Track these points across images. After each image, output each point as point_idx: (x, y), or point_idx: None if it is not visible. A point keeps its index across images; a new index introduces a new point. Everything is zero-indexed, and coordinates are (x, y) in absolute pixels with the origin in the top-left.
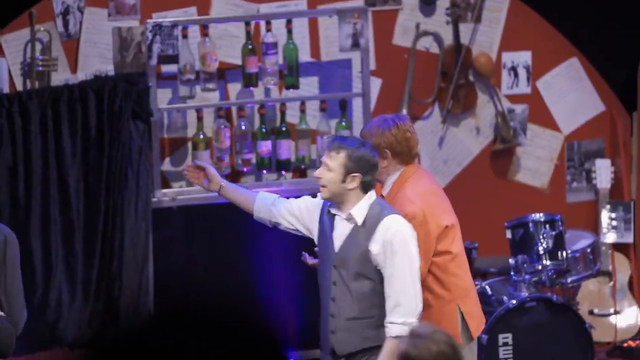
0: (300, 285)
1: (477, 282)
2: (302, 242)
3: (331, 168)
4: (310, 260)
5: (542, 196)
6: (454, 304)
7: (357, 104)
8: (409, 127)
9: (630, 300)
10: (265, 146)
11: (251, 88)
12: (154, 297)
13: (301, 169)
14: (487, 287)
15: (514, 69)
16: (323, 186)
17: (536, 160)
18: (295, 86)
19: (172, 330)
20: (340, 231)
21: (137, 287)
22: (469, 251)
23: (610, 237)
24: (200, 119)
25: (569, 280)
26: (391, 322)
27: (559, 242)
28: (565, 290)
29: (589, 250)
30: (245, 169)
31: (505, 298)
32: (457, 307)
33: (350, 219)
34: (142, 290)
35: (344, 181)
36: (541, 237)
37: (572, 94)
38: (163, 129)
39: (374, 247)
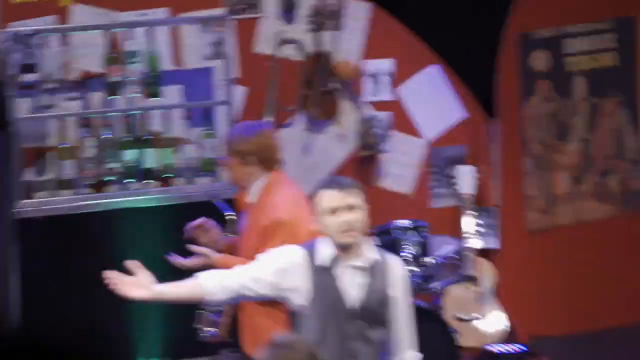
0: None
1: None
2: (173, 249)
3: (360, 207)
4: (183, 261)
5: (407, 202)
6: None
7: (221, 112)
8: (271, 134)
9: (494, 305)
10: (130, 155)
11: (114, 97)
12: (22, 309)
13: (166, 177)
14: None
15: (375, 76)
16: (355, 231)
17: (400, 166)
18: (158, 95)
19: (39, 342)
20: (350, 281)
21: (1, 300)
22: None
23: (474, 243)
24: (62, 128)
25: (435, 285)
26: (414, 357)
27: (424, 248)
28: (431, 295)
29: (454, 255)
30: (110, 179)
31: None
32: None
33: (367, 265)
34: (9, 302)
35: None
36: (407, 243)
37: (434, 100)
38: (24, 138)
39: (391, 290)
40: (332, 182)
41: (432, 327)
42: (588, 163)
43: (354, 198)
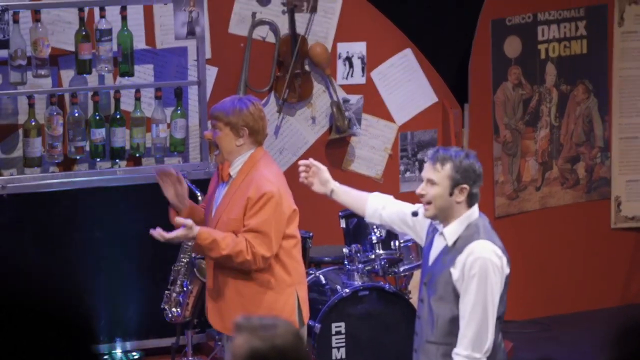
0: (138, 274)
1: (311, 271)
2: (141, 229)
3: (437, 182)
4: (165, 234)
5: (377, 185)
6: (293, 288)
7: (192, 93)
8: (262, 107)
9: None
10: (99, 134)
11: (85, 75)
12: None
13: (136, 157)
14: (321, 276)
15: (349, 59)
16: (428, 203)
17: (370, 150)
18: (130, 73)
19: None
20: (435, 247)
21: None
22: (303, 240)
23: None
24: (31, 105)
25: (402, 269)
26: (456, 354)
27: (391, 232)
28: (398, 279)
29: None
30: (78, 157)
31: (338, 287)
32: (295, 292)
33: (449, 238)
34: None
35: (451, 194)
36: (374, 226)
37: (406, 84)
38: None
39: (455, 271)
40: (435, 151)
41: (398, 310)
42: (556, 149)
43: (435, 172)
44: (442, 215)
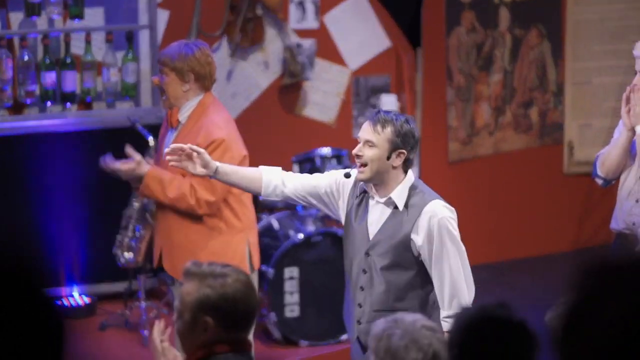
0: (90, 219)
1: (264, 216)
2: (92, 173)
3: (375, 144)
4: (115, 164)
5: (329, 130)
6: (243, 233)
7: (144, 36)
8: (209, 52)
9: None
10: (50, 77)
11: (34, 17)
12: None
13: (87, 101)
14: (274, 221)
15: (301, 4)
16: (363, 165)
17: (323, 95)
18: (80, 16)
19: None
20: (377, 216)
21: None
22: None
23: None
24: None
25: None
26: (449, 317)
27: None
28: None
29: None
30: (28, 101)
31: (292, 232)
32: (246, 237)
33: (389, 202)
34: None
35: (388, 158)
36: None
37: (359, 29)
38: None
39: (417, 237)
40: (376, 113)
41: None
42: (509, 94)
43: (375, 135)
44: (377, 179)
